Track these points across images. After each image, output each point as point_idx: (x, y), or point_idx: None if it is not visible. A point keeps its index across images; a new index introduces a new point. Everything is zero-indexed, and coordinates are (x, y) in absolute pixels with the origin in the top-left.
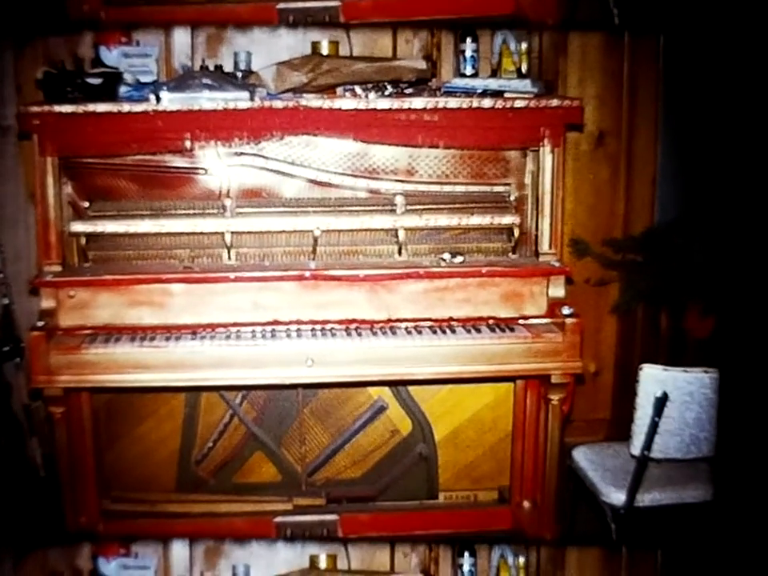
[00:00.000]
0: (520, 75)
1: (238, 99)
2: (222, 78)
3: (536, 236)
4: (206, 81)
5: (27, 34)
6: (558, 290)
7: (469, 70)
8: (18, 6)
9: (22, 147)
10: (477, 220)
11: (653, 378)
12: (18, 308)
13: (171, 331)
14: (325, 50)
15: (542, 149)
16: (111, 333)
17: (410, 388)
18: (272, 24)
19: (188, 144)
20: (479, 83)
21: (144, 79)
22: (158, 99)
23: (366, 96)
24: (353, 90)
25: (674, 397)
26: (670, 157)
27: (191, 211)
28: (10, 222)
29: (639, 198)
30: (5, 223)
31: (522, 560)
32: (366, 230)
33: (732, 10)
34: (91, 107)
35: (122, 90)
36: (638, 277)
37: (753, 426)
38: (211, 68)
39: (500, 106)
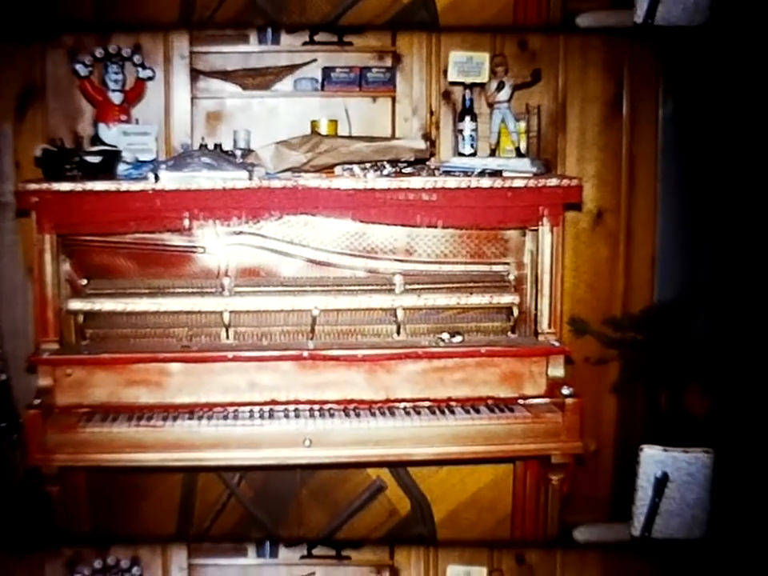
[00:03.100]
0: (519, 154)
1: (237, 178)
2: (221, 157)
3: (535, 315)
4: (204, 160)
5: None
6: (557, 370)
7: (467, 150)
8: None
9: (21, 224)
10: (476, 299)
11: (653, 459)
12: (15, 384)
13: (168, 411)
14: (324, 129)
15: (541, 228)
16: (108, 412)
17: (409, 468)
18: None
19: (186, 223)
20: (478, 163)
21: (143, 157)
22: (157, 178)
23: (365, 176)
24: (351, 169)
25: (674, 477)
26: (670, 234)
27: (189, 290)
28: (8, 298)
29: (638, 275)
30: (2, 299)
31: None
32: (364, 309)
33: (731, 88)
34: (90, 185)
35: (121, 168)
36: (638, 355)
37: (747, 507)
38: (210, 146)
39: (499, 186)
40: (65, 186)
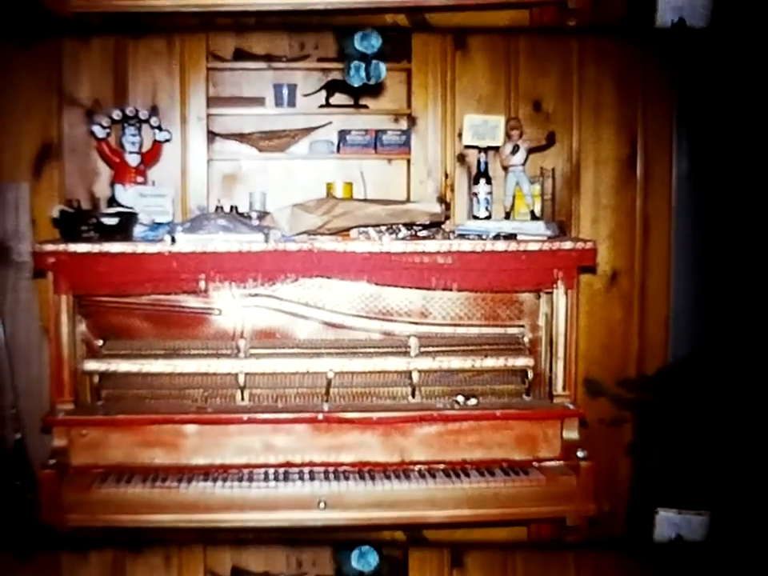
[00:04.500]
0: (533, 217)
1: (253, 241)
2: (237, 220)
3: (550, 378)
4: (220, 222)
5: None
6: (572, 432)
7: (482, 212)
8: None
9: (37, 283)
10: (490, 362)
11: (667, 522)
12: (30, 443)
13: (183, 472)
14: (339, 191)
15: (555, 291)
16: (123, 473)
17: (424, 530)
18: None
19: (202, 285)
20: (493, 226)
21: (159, 219)
22: (173, 240)
23: (380, 239)
24: (366, 232)
25: (689, 539)
26: (684, 295)
27: (205, 351)
28: (24, 358)
29: (653, 337)
30: (18, 358)
31: None
32: (379, 371)
33: (747, 148)
34: (106, 247)
35: (138, 230)
36: (653, 416)
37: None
38: (226, 209)
39: (513, 249)
40: (81, 248)
